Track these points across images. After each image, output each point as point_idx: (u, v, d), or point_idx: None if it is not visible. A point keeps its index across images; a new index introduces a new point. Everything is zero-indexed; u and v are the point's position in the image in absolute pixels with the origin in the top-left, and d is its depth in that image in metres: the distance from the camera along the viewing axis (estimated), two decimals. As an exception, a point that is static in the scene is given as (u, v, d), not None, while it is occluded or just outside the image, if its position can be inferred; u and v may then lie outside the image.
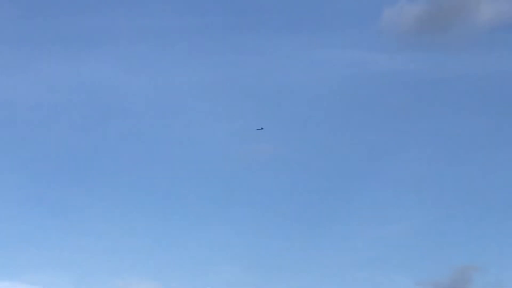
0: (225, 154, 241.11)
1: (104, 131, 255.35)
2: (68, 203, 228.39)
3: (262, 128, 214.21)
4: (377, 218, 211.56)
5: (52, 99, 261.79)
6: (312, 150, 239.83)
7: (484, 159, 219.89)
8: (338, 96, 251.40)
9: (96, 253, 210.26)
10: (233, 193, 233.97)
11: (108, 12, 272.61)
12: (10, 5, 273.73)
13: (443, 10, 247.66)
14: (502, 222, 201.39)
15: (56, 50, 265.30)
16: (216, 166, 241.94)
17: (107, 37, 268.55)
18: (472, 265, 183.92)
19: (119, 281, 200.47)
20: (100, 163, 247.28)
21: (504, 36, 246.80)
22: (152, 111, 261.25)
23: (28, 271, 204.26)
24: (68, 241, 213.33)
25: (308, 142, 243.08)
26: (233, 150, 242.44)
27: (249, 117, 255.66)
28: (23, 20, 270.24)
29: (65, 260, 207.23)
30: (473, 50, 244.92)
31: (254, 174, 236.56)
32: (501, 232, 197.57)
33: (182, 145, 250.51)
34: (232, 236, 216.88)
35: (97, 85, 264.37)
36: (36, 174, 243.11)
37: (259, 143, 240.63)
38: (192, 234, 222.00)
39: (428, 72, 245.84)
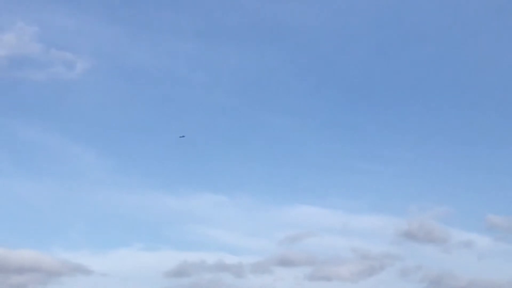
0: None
1: (401, 56, 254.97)
2: (363, 130, 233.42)
3: (183, 136, 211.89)
4: None
5: (346, 25, 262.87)
6: None
7: None
8: None
9: (390, 178, 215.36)
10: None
11: None
12: None
13: None
14: None
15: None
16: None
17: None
18: None
19: (413, 206, 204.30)
20: (394, 88, 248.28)
21: None
22: (447, 35, 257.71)
23: (328, 196, 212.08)
24: (365, 167, 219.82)
25: None
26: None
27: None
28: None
29: (362, 185, 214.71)
30: None
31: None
32: None
33: (473, 67, 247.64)
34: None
35: (395, 11, 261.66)
36: (331, 98, 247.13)
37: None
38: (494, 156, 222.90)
39: None
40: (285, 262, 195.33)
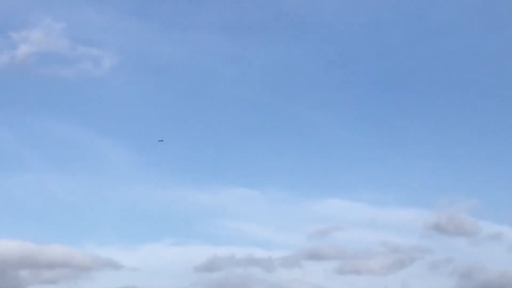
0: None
1: (431, 47, 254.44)
2: (392, 123, 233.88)
3: (162, 140, 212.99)
4: None
5: (374, 17, 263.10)
6: None
7: None
8: None
9: (420, 171, 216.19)
10: None
11: None
12: None
13: None
14: None
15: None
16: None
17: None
18: None
19: (442, 199, 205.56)
20: (423, 81, 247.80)
21: None
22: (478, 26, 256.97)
23: (358, 190, 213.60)
24: (394, 160, 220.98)
25: None
26: None
27: None
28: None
29: (391, 178, 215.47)
30: None
31: None
32: None
33: (503, 59, 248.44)
34: None
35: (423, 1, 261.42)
36: (360, 91, 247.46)
37: None
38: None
39: None
40: (314, 256, 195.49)
